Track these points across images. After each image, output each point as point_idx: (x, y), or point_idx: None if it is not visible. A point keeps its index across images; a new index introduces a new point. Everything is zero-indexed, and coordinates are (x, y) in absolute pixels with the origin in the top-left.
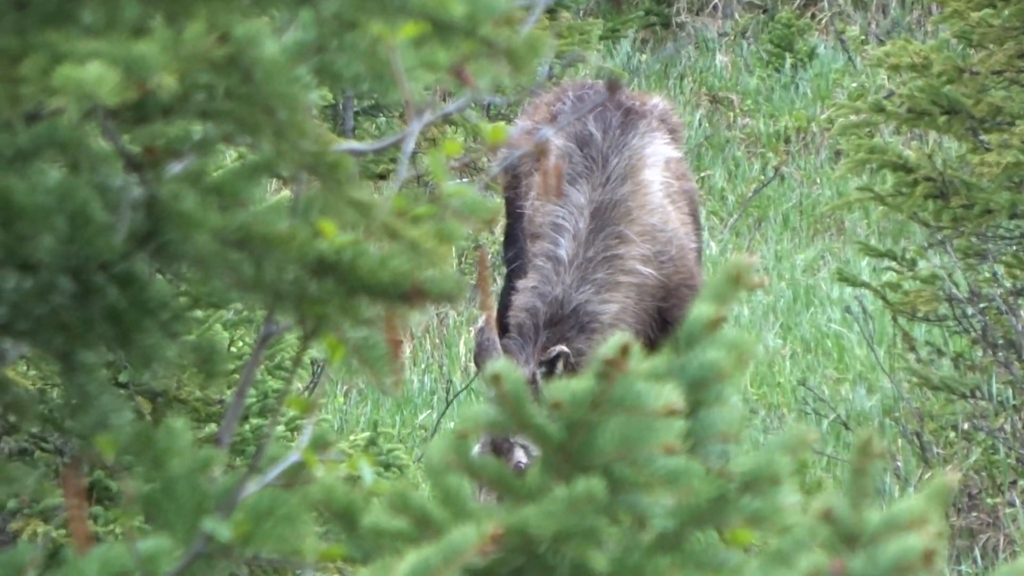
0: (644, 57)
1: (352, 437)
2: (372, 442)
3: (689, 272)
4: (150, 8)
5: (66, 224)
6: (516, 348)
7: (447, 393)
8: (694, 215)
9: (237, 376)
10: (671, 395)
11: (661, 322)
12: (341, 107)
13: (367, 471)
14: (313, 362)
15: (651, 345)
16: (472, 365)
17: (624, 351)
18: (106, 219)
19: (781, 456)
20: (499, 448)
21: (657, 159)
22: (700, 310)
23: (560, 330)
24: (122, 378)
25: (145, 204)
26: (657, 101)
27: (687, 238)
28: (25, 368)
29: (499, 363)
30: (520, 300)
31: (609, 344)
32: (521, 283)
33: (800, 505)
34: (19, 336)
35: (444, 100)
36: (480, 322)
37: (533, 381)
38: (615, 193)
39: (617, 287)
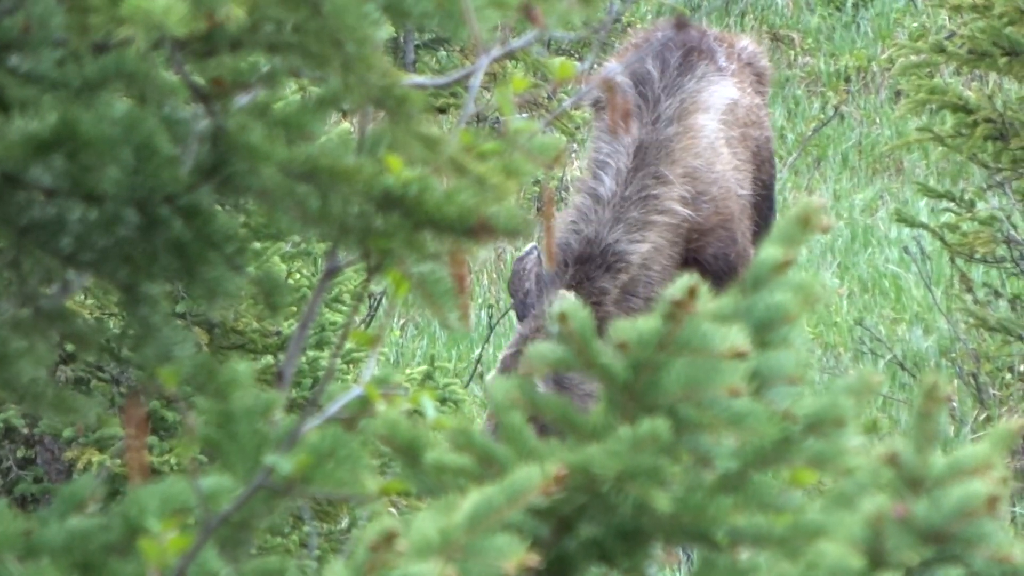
0: None
1: (408, 371)
2: (428, 376)
3: (729, 215)
4: None
5: (132, 156)
6: (548, 281)
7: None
8: (758, 163)
9: (294, 309)
10: (737, 337)
11: (689, 263)
12: (402, 40)
13: (429, 407)
14: (370, 296)
15: None
16: None
17: (692, 292)
18: (172, 151)
19: (845, 399)
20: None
21: (715, 103)
22: (768, 251)
23: (587, 269)
24: (179, 309)
25: (211, 136)
26: (746, 43)
27: (735, 183)
28: (83, 298)
29: (566, 302)
30: (556, 235)
31: (677, 285)
32: (561, 216)
33: (862, 447)
34: (83, 267)
35: (510, 36)
36: (525, 250)
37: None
38: (661, 134)
39: (651, 227)
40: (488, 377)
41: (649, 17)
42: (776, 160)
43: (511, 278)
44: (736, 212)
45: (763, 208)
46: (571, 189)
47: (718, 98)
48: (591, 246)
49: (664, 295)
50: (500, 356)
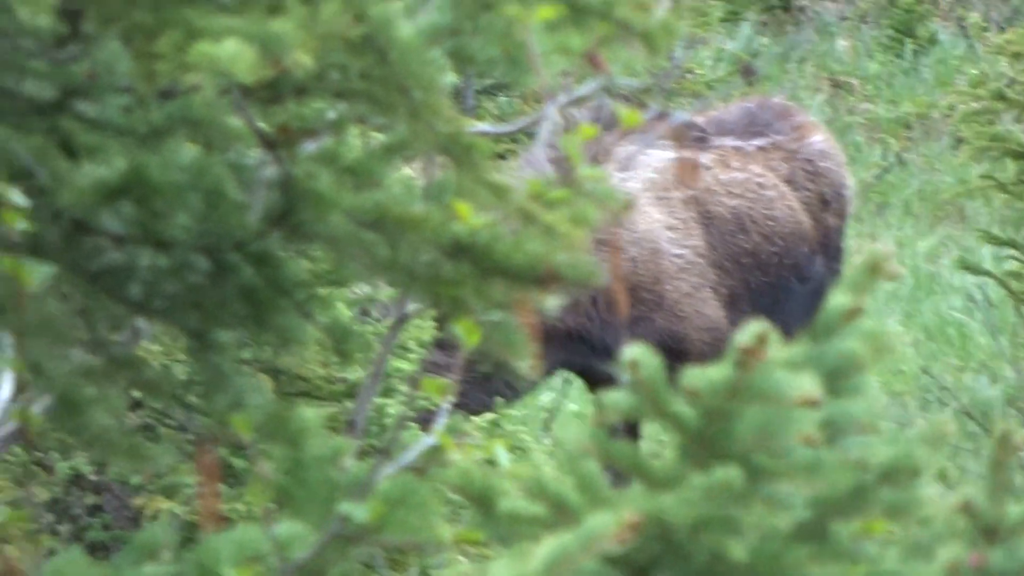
0: (764, 40)
1: (475, 419)
2: (496, 424)
3: (652, 277)
4: None
5: (201, 202)
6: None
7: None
8: (703, 218)
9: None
10: (809, 385)
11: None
12: (463, 86)
13: (503, 455)
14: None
15: None
16: None
17: (762, 339)
18: (240, 198)
19: (919, 448)
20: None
21: (646, 163)
22: (838, 299)
23: None
24: (245, 355)
25: (279, 183)
26: (817, 138)
27: (666, 243)
28: (150, 344)
29: (637, 349)
30: None
31: (747, 332)
32: None
33: (936, 497)
34: (153, 314)
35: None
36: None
37: None
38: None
39: None
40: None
41: (709, 63)
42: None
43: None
44: (661, 273)
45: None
46: None
47: (650, 160)
48: None
49: (734, 342)
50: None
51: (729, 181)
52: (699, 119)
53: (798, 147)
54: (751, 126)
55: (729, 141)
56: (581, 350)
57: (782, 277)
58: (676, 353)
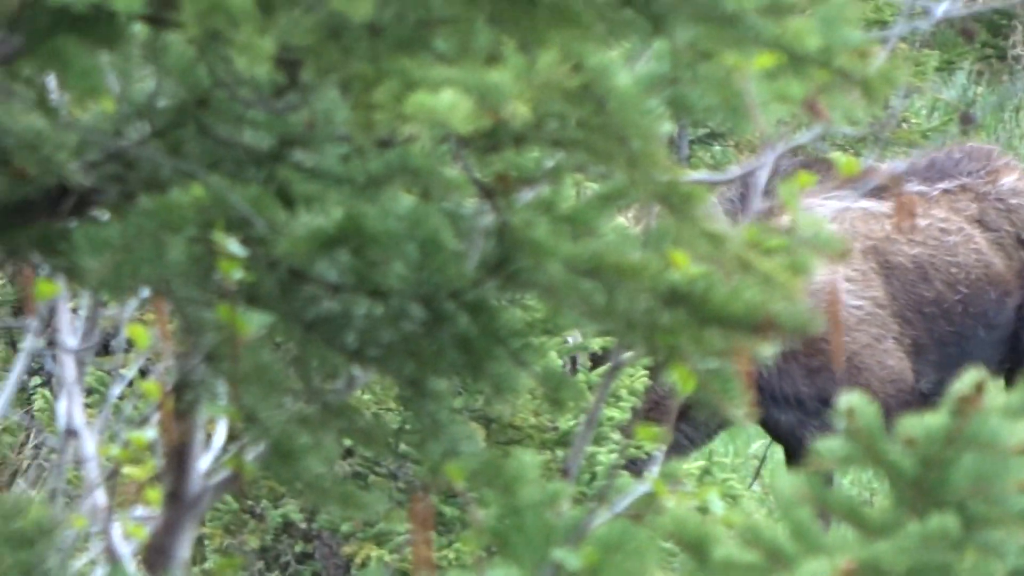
0: (979, 90)
1: (686, 466)
2: (707, 471)
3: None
4: (503, 36)
5: (417, 251)
6: None
7: None
8: (883, 268)
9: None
10: None
11: None
12: (677, 135)
13: (717, 503)
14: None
15: None
16: None
17: (979, 387)
18: (457, 247)
19: None
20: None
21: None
22: None
23: None
24: (457, 404)
25: (496, 232)
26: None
27: (845, 294)
28: (361, 393)
29: (854, 398)
30: None
31: (964, 380)
32: None
33: None
34: (368, 362)
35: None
36: None
37: None
38: None
39: None
40: None
41: (924, 112)
42: None
43: None
44: (845, 324)
45: None
46: None
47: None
48: None
49: (951, 390)
50: None
51: (910, 228)
52: (882, 166)
53: (990, 188)
54: (938, 170)
55: (913, 186)
56: (759, 399)
57: (967, 325)
58: None
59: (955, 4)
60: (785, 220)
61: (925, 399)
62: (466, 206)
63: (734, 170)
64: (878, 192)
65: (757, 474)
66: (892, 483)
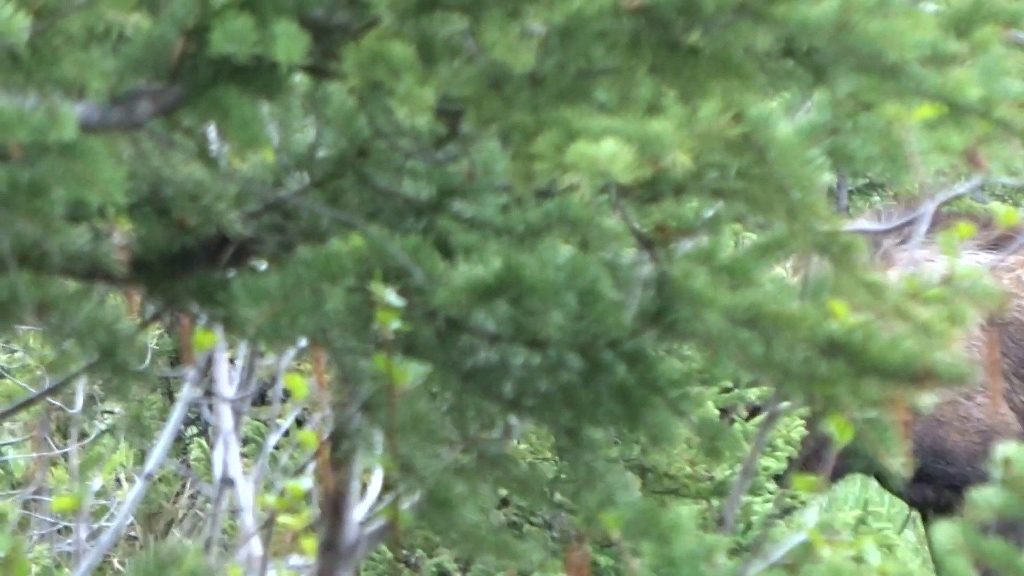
0: None
1: (841, 515)
2: (862, 521)
3: (951, 402)
4: (664, 86)
5: (576, 301)
6: None
7: None
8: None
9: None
10: None
11: None
12: (835, 185)
13: (874, 553)
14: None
15: None
16: None
17: None
18: (616, 296)
19: None
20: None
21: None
22: None
23: None
24: (612, 453)
25: (655, 282)
26: None
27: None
28: (516, 442)
29: (1010, 447)
30: None
31: None
32: None
33: None
34: (525, 412)
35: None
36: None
37: None
38: None
39: None
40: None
41: None
42: None
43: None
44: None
45: None
46: None
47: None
48: None
49: None
50: None
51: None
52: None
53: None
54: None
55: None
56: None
57: None
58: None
59: None
60: (941, 270)
61: None
62: (625, 256)
63: (896, 219)
64: (996, 244)
65: (906, 522)
66: None
